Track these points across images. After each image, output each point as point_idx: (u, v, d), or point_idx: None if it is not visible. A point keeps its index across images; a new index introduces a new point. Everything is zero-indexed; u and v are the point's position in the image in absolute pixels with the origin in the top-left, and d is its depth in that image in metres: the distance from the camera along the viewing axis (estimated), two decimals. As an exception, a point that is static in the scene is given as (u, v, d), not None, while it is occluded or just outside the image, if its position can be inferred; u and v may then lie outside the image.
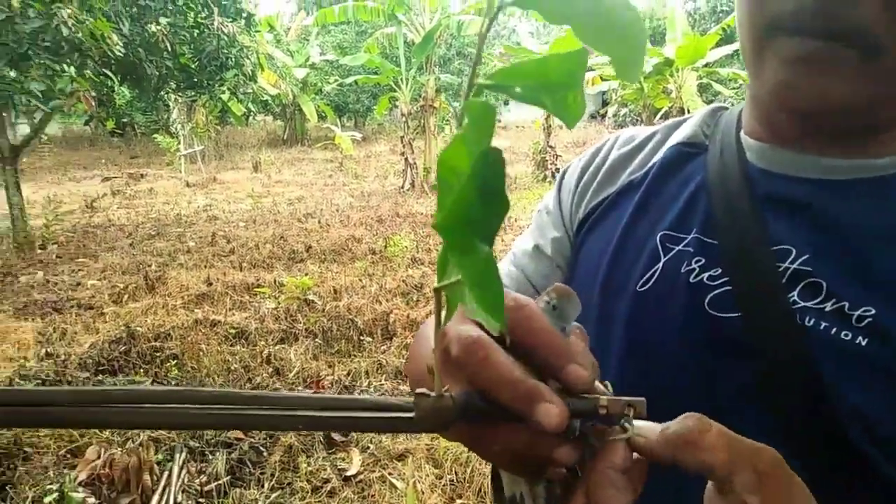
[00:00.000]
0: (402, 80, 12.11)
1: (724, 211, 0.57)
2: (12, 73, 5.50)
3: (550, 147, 12.71)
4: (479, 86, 0.37)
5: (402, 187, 11.53)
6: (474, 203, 0.32)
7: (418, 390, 0.37)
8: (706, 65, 11.33)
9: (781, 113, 0.57)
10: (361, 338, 4.38)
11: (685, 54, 10.43)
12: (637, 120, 16.74)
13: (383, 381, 3.76)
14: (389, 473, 2.92)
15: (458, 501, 2.76)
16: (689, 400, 0.54)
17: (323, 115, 20.55)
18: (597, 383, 0.39)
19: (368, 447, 3.12)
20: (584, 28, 0.33)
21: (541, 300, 0.41)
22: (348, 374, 3.87)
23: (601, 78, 12.65)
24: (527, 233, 0.78)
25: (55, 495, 2.64)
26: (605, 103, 21.63)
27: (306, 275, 5.73)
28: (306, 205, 9.96)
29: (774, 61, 0.51)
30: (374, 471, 2.95)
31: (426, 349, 0.44)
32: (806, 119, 0.55)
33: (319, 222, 8.42)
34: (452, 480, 2.86)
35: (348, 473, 2.93)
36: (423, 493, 2.78)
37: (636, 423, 0.36)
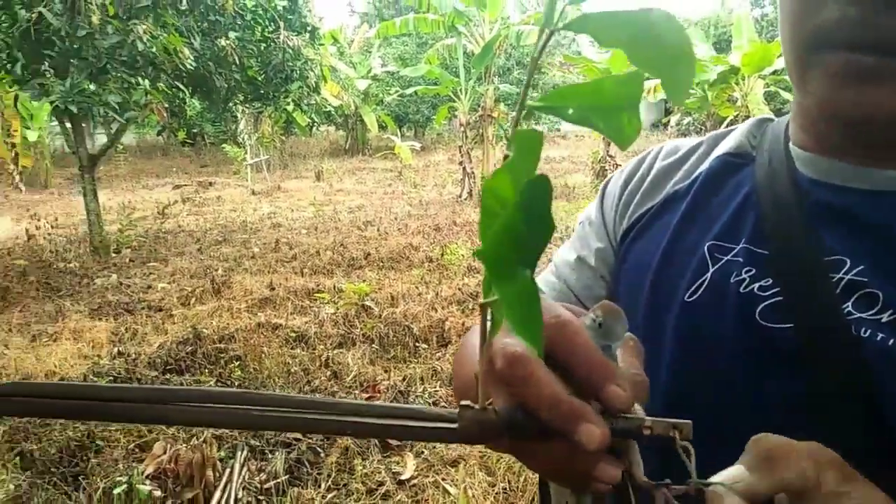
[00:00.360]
0: (461, 90, 12.19)
1: (775, 220, 0.57)
2: (91, 86, 5.77)
3: (610, 156, 12.54)
4: (531, 107, 0.37)
5: (460, 196, 11.58)
6: (518, 230, 0.32)
7: (463, 402, 0.38)
8: (774, 72, 10.97)
9: (829, 124, 0.56)
10: (417, 344, 4.43)
11: (752, 62, 10.12)
12: (701, 129, 16.34)
13: (438, 388, 3.79)
14: (443, 479, 2.94)
15: (511, 510, 2.76)
16: (740, 410, 0.55)
17: (383, 125, 20.86)
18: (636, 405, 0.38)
19: (423, 452, 3.15)
20: (635, 51, 0.34)
21: (587, 317, 0.40)
22: (404, 379, 3.92)
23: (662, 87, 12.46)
24: (568, 243, 0.78)
25: (124, 487, 2.73)
26: (667, 112, 21.20)
27: (364, 281, 5.83)
28: (366, 213, 10.11)
29: (820, 75, 0.51)
30: (427, 476, 2.98)
31: (471, 358, 0.45)
32: (854, 131, 0.54)
33: (378, 230, 8.54)
34: (505, 489, 2.86)
35: (402, 477, 2.96)
36: (475, 500, 2.79)
37: (720, 477, 0.36)
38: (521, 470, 2.90)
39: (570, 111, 0.38)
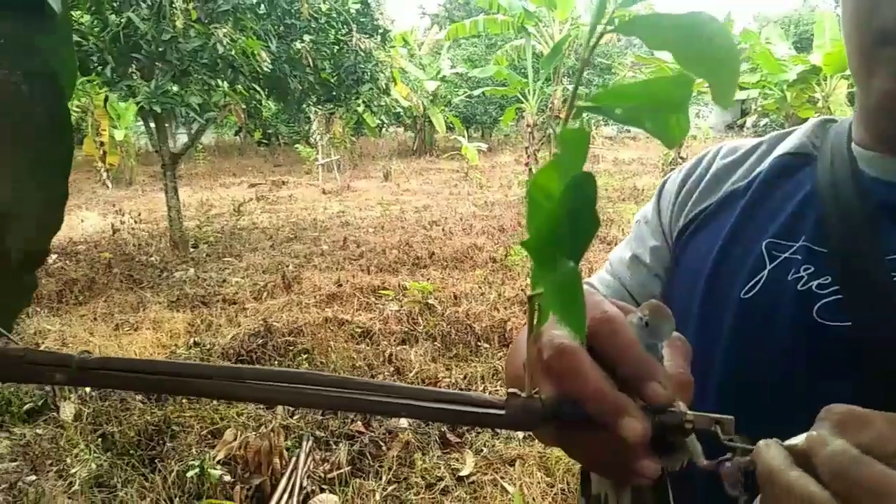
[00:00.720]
0: (529, 91, 12.14)
1: (837, 219, 0.57)
2: (174, 88, 6.07)
3: (682, 158, 12.21)
4: (579, 108, 0.39)
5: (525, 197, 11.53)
6: (563, 224, 0.34)
7: (510, 390, 0.40)
8: (860, 71, 10.40)
9: (891, 120, 0.56)
10: (479, 343, 4.45)
11: (834, 61, 9.64)
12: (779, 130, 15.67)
13: (499, 388, 3.80)
14: (501, 477, 2.96)
15: (569, 512, 2.74)
16: (794, 407, 0.55)
17: (451, 126, 20.98)
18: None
19: (482, 450, 3.17)
20: (683, 54, 0.36)
21: (634, 316, 0.42)
22: (465, 377, 3.95)
23: (739, 87, 12.02)
24: (624, 243, 0.79)
25: (196, 470, 2.86)
26: (743, 113, 20.44)
27: (428, 280, 5.90)
28: (431, 213, 10.21)
29: (884, 72, 0.51)
30: (486, 473, 2.99)
31: (522, 349, 0.47)
32: None
33: (443, 230, 8.61)
34: (563, 490, 2.84)
35: (461, 474, 2.99)
36: (532, 499, 2.79)
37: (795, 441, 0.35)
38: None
39: (619, 111, 0.39)
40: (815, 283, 0.56)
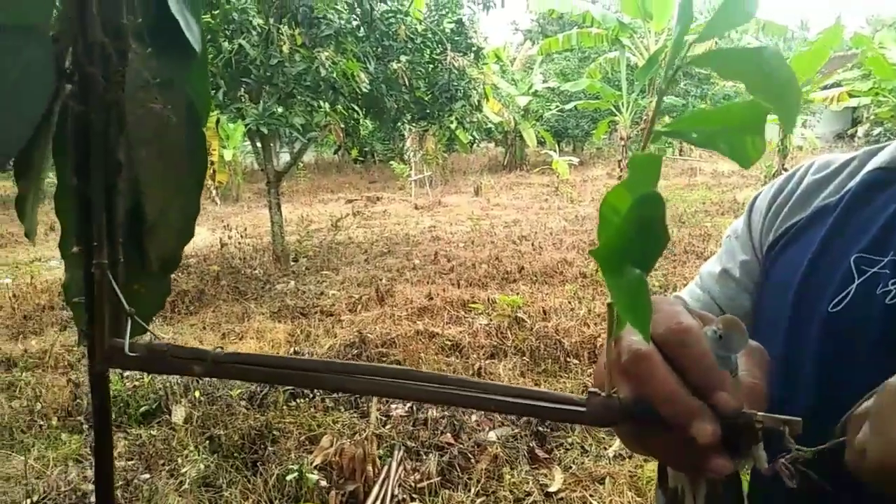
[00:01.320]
0: (622, 103, 11.95)
1: None
2: (280, 109, 6.41)
3: (785, 170, 11.59)
4: (657, 132, 0.44)
5: (620, 212, 11.30)
6: (630, 237, 0.38)
7: (591, 389, 0.44)
8: None
9: None
10: (568, 359, 4.41)
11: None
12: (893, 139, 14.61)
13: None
14: (591, 495, 2.92)
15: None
16: None
17: (542, 140, 20.90)
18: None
19: (570, 467, 3.14)
20: (752, 84, 0.40)
21: (709, 328, 0.43)
22: (555, 393, 3.93)
23: (848, 94, 11.29)
24: (715, 257, 0.81)
25: (295, 475, 2.98)
26: (854, 122, 19.19)
27: (518, 294, 5.90)
28: (521, 228, 10.19)
29: None
30: (574, 490, 2.96)
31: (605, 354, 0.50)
32: None
33: (533, 245, 8.58)
34: (656, 512, 2.77)
35: (550, 489, 2.97)
36: (623, 519, 2.74)
37: None
38: None
39: (695, 135, 0.43)
40: None
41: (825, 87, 11.53)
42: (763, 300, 0.72)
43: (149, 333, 0.54)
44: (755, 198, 0.79)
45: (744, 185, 13.98)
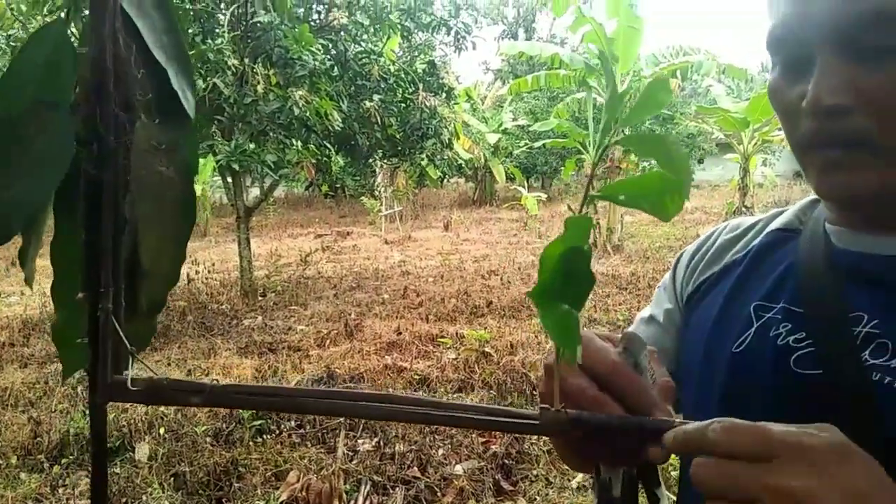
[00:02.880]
0: (589, 142, 12.26)
1: (810, 284, 0.68)
2: (252, 146, 6.46)
3: (746, 207, 12.01)
4: (591, 196, 0.55)
5: (586, 248, 11.50)
6: (562, 280, 0.49)
7: (542, 405, 0.53)
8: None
9: (832, 205, 0.69)
10: (534, 392, 4.48)
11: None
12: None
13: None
14: (555, 528, 2.97)
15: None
16: None
17: (511, 176, 21.24)
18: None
19: (535, 499, 3.19)
20: (658, 159, 0.51)
21: (617, 350, 0.58)
22: (521, 428, 3.99)
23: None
24: (648, 305, 0.93)
25: (261, 510, 3.03)
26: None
27: (485, 329, 5.97)
28: (490, 262, 10.31)
29: (814, 168, 0.64)
30: (540, 523, 3.02)
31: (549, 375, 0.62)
32: (850, 207, 0.67)
33: (501, 279, 8.69)
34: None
35: (515, 523, 3.02)
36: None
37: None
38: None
39: (622, 197, 0.54)
40: (792, 338, 0.66)
41: (783, 129, 12.04)
42: (683, 347, 0.82)
43: (144, 368, 0.61)
44: (681, 254, 0.91)
45: (706, 221, 14.38)
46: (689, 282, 0.85)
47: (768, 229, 0.79)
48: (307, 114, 6.12)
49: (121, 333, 0.59)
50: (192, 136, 0.70)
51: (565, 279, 0.47)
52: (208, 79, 5.84)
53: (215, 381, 0.54)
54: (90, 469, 0.62)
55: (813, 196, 0.80)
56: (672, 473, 3.06)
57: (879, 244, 0.65)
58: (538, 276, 0.48)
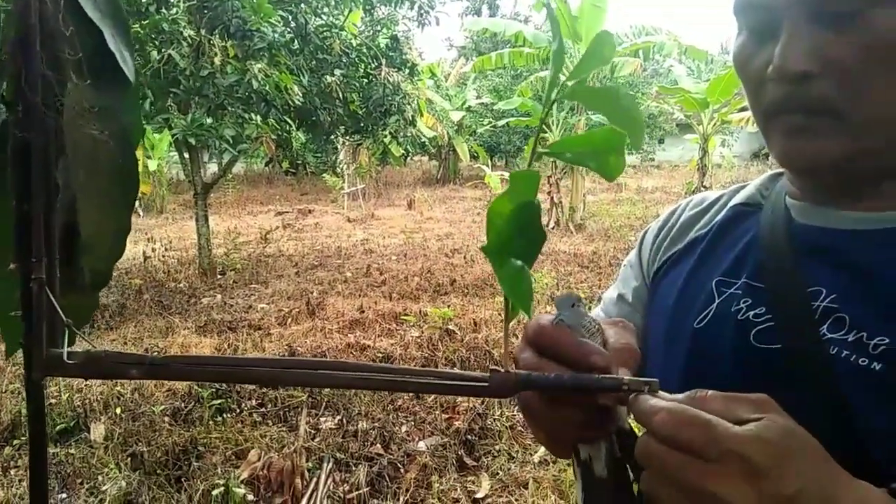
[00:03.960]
0: (552, 121, 12.29)
1: (770, 259, 0.68)
2: (209, 121, 6.29)
3: (705, 187, 12.21)
4: (539, 153, 0.54)
5: (547, 225, 11.60)
6: (513, 236, 0.47)
7: (492, 367, 0.51)
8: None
9: (794, 174, 0.69)
10: (497, 369, 4.52)
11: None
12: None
13: (515, 413, 3.86)
14: (516, 500, 3.01)
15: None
16: None
17: (475, 155, 21.22)
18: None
19: (497, 473, 3.23)
20: (609, 114, 0.51)
21: (558, 313, 0.57)
22: (482, 402, 4.02)
23: (763, 118, 12.00)
24: (614, 284, 0.92)
25: (221, 489, 2.95)
26: (770, 143, 20.33)
27: (449, 307, 5.99)
28: (454, 241, 10.32)
29: (777, 134, 0.64)
30: (501, 496, 3.05)
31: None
32: (811, 176, 0.66)
33: (465, 258, 8.71)
34: (577, 515, 2.89)
35: (477, 496, 3.05)
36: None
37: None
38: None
39: (568, 154, 0.53)
40: (752, 312, 0.66)
41: (743, 109, 12.21)
42: (649, 320, 0.82)
43: (80, 341, 0.58)
44: (646, 231, 0.90)
45: (666, 201, 14.62)
46: (654, 259, 0.85)
47: (731, 204, 0.79)
48: (266, 88, 5.98)
49: (55, 305, 0.56)
50: (131, 101, 0.67)
51: (516, 234, 0.46)
52: (163, 50, 5.66)
53: (156, 353, 0.51)
54: (28, 449, 0.59)
55: (774, 171, 0.80)
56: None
57: (839, 218, 0.66)
58: (487, 232, 0.46)
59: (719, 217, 0.79)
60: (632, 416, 0.50)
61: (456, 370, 0.54)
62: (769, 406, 0.48)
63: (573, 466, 0.63)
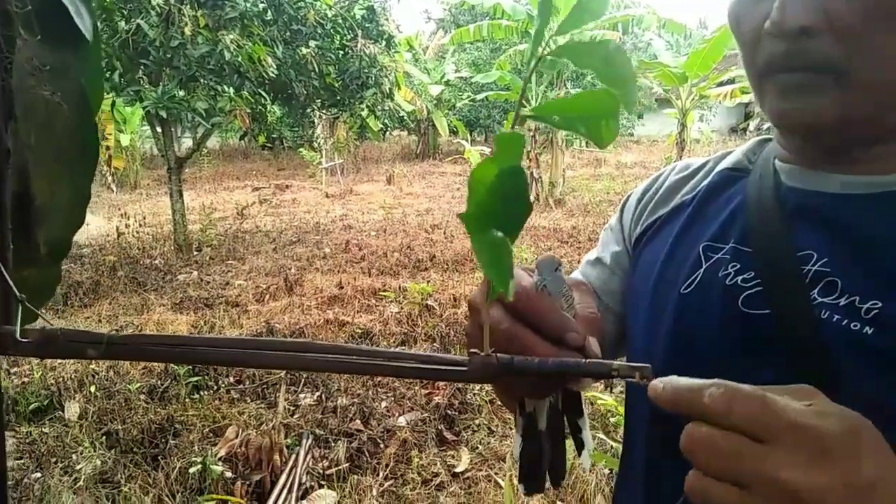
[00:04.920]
0: (531, 95, 12.22)
1: (759, 223, 0.66)
2: (181, 93, 6.15)
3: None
4: (524, 116, 0.49)
5: (528, 201, 11.59)
6: (496, 204, 0.42)
7: (471, 350, 0.48)
8: None
9: (787, 135, 0.66)
10: (478, 345, 4.53)
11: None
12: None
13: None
14: (495, 473, 3.03)
15: (561, 507, 2.81)
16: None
17: (454, 129, 21.06)
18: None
19: (477, 447, 3.25)
20: (599, 73, 0.46)
21: (534, 278, 0.55)
22: (463, 378, 4.03)
23: (741, 91, 12.03)
24: (594, 249, 0.90)
25: (199, 467, 2.93)
26: (747, 116, 20.50)
27: (428, 282, 5.97)
28: (433, 216, 10.28)
29: (771, 94, 0.61)
30: (480, 469, 3.07)
31: (478, 318, 0.58)
32: (806, 137, 0.64)
33: (444, 233, 8.68)
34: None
35: (457, 470, 3.07)
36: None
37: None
38: (572, 467, 2.95)
39: (556, 118, 0.48)
40: (741, 277, 0.65)
41: (720, 84, 12.22)
42: (631, 285, 0.80)
43: (40, 320, 0.54)
44: (628, 196, 0.88)
45: (645, 176, 14.48)
46: (637, 224, 0.82)
47: (717, 169, 0.77)
48: (239, 59, 5.85)
49: (7, 279, 0.52)
50: (89, 61, 0.62)
51: (500, 203, 0.42)
52: (131, 20, 5.48)
53: (115, 332, 0.48)
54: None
55: (761, 136, 0.78)
56: (610, 420, 3.15)
57: (830, 181, 0.64)
58: (468, 199, 0.42)
59: (706, 182, 0.77)
60: (656, 402, 0.45)
61: (434, 353, 0.50)
62: (815, 393, 0.44)
63: (515, 415, 0.65)
